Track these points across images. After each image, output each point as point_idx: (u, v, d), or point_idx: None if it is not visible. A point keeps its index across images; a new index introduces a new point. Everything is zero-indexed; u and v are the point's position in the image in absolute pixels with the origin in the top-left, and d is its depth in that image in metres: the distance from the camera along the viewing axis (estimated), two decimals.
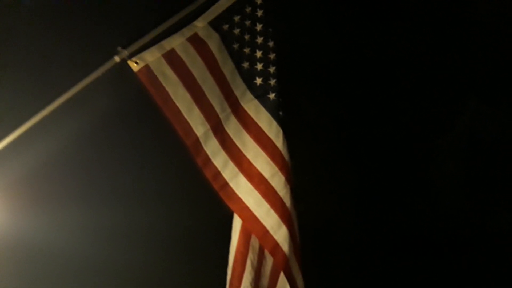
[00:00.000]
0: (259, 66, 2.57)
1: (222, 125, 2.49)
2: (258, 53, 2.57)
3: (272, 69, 2.57)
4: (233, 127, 2.52)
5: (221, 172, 2.47)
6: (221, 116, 2.49)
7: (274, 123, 2.54)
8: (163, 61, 2.38)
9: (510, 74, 3.24)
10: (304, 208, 2.62)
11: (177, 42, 2.43)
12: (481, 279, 3.28)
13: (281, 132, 2.54)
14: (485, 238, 3.28)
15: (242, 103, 2.55)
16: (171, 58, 2.40)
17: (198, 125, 2.43)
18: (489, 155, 3.29)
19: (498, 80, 3.25)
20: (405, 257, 3.28)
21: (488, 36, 3.20)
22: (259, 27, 2.57)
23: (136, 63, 2.35)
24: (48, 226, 2.60)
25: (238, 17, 2.54)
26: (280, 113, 2.56)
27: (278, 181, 2.51)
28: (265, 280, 2.59)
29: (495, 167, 3.29)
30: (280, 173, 2.51)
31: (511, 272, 3.26)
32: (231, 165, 2.49)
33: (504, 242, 3.28)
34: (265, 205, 2.49)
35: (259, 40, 2.57)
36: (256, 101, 2.56)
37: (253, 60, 2.56)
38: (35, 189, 2.56)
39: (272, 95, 2.56)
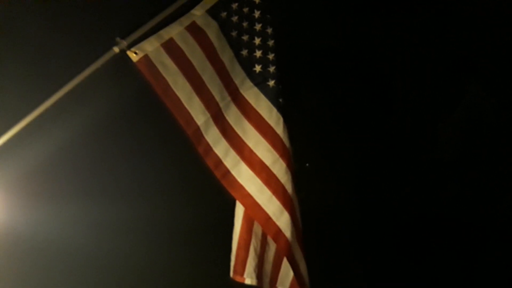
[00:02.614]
0: (258, 53, 2.56)
1: (222, 114, 2.49)
2: (257, 40, 2.55)
3: (271, 56, 2.56)
4: (233, 115, 2.52)
5: (223, 160, 2.48)
6: (221, 105, 2.49)
7: (274, 110, 2.54)
8: (162, 50, 2.38)
9: (509, 59, 3.23)
10: (306, 194, 2.63)
11: (175, 31, 2.42)
12: (481, 263, 3.31)
13: (281, 119, 2.54)
14: (484, 223, 3.30)
15: (241, 91, 2.55)
16: (170, 47, 2.39)
17: (199, 114, 2.43)
18: (489, 140, 3.29)
19: (498, 65, 3.24)
20: (405, 243, 3.30)
21: (488, 21, 3.18)
22: (257, 13, 2.55)
23: (135, 53, 2.35)
24: (49, 222, 2.60)
25: (236, 4, 2.52)
26: (280, 100, 2.55)
27: (279, 168, 2.52)
28: (268, 266, 2.62)
29: (494, 152, 3.30)
30: (281, 160, 2.52)
31: (508, 260, 3.28)
32: (232, 153, 2.50)
33: (505, 228, 3.29)
34: (267, 192, 2.50)
35: (258, 27, 2.56)
36: (255, 89, 2.56)
37: (252, 48, 2.55)
38: (36, 184, 2.56)
39: (271, 82, 2.55)
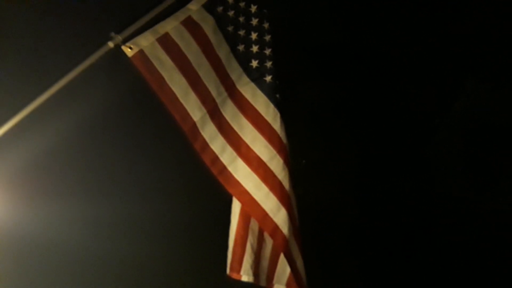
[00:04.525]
0: (255, 49, 2.54)
1: (219, 109, 2.48)
2: (254, 35, 2.54)
3: (268, 51, 2.55)
4: (230, 111, 2.50)
5: (219, 156, 2.46)
6: (217, 100, 2.47)
7: (271, 106, 2.53)
8: (158, 45, 2.35)
9: (507, 55, 3.23)
10: (303, 190, 2.62)
11: (171, 26, 2.39)
12: (480, 256, 3.31)
13: (278, 114, 2.53)
14: (483, 217, 3.30)
15: (238, 87, 2.53)
16: (166, 42, 2.37)
17: (195, 110, 2.41)
18: (487, 135, 3.29)
19: (496, 61, 3.24)
20: (404, 239, 3.30)
21: (486, 18, 3.17)
22: (253, 8, 2.54)
23: (130, 48, 2.32)
24: (45, 220, 2.57)
25: None
26: (277, 95, 2.54)
27: (276, 164, 2.50)
28: (265, 263, 2.61)
29: (493, 147, 3.30)
30: (278, 156, 2.51)
31: (510, 250, 3.29)
32: (229, 149, 2.48)
33: (503, 221, 3.30)
34: (264, 188, 2.49)
35: (254, 22, 2.54)
36: (252, 84, 2.54)
37: (248, 43, 2.54)
38: (30, 182, 2.53)
39: (268, 78, 2.54)
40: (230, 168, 2.48)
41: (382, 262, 3.31)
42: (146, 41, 2.34)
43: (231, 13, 2.51)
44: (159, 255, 2.89)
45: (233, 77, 2.52)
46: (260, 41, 2.54)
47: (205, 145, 2.44)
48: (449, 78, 3.27)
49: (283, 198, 2.49)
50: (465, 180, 3.31)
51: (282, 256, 2.55)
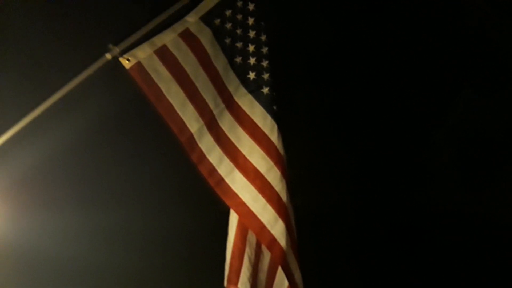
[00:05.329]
0: (252, 61, 2.55)
1: (216, 121, 2.48)
2: (251, 47, 2.55)
3: (265, 63, 2.56)
4: (227, 123, 2.50)
5: (217, 168, 2.46)
6: (215, 112, 2.48)
7: (269, 117, 2.53)
8: (155, 57, 2.36)
9: (502, 66, 3.25)
10: (301, 202, 2.61)
11: (168, 38, 2.41)
12: (475, 267, 3.30)
13: (275, 126, 2.53)
14: (479, 228, 3.30)
15: (235, 98, 2.53)
16: (163, 54, 2.38)
17: (192, 122, 2.41)
18: (483, 146, 3.30)
19: (491, 72, 3.26)
20: (401, 249, 3.29)
21: (481, 28, 3.20)
22: (251, 21, 2.55)
23: (128, 60, 2.33)
24: (41, 229, 2.58)
25: (230, 11, 2.52)
26: (274, 107, 2.55)
27: (274, 176, 2.50)
28: (263, 275, 2.59)
29: (489, 158, 3.30)
30: (275, 168, 2.50)
31: (506, 260, 3.28)
32: (227, 160, 2.48)
33: (499, 232, 3.29)
34: (262, 200, 2.48)
35: (251, 34, 2.55)
36: (250, 96, 2.55)
37: (245, 55, 2.55)
38: (29, 192, 2.54)
39: (265, 90, 2.54)
40: (227, 180, 2.48)
41: (380, 273, 3.29)
42: (143, 53, 2.35)
43: (228, 25, 2.52)
44: (156, 266, 2.88)
45: (231, 88, 2.53)
46: (257, 53, 2.56)
47: (202, 156, 2.44)
48: (445, 89, 3.28)
49: (280, 210, 2.48)
50: (461, 190, 3.32)
51: (280, 268, 2.53)
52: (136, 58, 2.34)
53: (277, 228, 2.47)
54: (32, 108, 2.30)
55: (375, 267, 3.29)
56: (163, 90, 2.37)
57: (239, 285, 2.50)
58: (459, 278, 3.29)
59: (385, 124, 3.26)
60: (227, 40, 2.52)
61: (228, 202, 2.49)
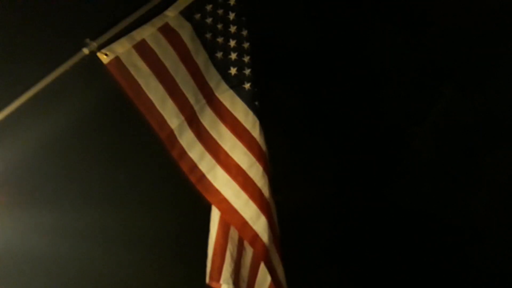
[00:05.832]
0: (233, 56, 2.53)
1: (197, 117, 2.45)
2: (232, 43, 2.53)
3: (246, 59, 2.53)
4: (208, 118, 2.48)
5: (198, 164, 2.44)
6: (195, 108, 2.45)
7: (250, 113, 2.51)
8: (134, 52, 2.33)
9: (483, 63, 3.29)
10: (282, 198, 2.61)
11: (147, 33, 2.37)
12: (459, 263, 3.34)
13: (257, 122, 2.51)
14: (459, 223, 3.34)
15: (217, 94, 2.51)
16: (142, 49, 2.34)
17: (172, 117, 2.38)
18: (463, 142, 3.34)
19: (472, 69, 3.30)
20: (383, 244, 3.32)
21: (462, 25, 3.23)
22: (232, 16, 2.53)
23: (106, 55, 2.29)
24: (22, 229, 2.53)
25: (210, 6, 2.49)
26: (256, 103, 2.53)
27: (256, 172, 2.49)
28: (245, 271, 2.58)
29: (469, 154, 3.34)
30: (257, 164, 2.49)
31: (487, 255, 3.33)
32: (208, 157, 2.46)
33: (478, 227, 3.34)
34: (244, 196, 2.46)
35: (233, 29, 2.53)
36: (231, 92, 2.52)
37: (227, 50, 2.53)
38: (6, 192, 2.48)
39: (247, 85, 2.52)
40: (209, 176, 2.46)
41: (361, 268, 3.31)
42: (122, 48, 2.32)
43: (209, 20, 2.49)
44: (138, 264, 2.86)
45: (212, 84, 2.50)
46: (239, 48, 2.53)
47: (183, 152, 2.41)
48: (426, 86, 3.31)
49: (262, 205, 2.47)
50: (441, 186, 3.35)
51: (262, 264, 2.53)
52: (114, 53, 2.30)
53: (259, 224, 2.46)
54: (7, 104, 2.25)
55: (356, 263, 3.31)
56: (142, 86, 2.33)
57: (221, 281, 2.49)
58: (440, 274, 3.33)
59: (366, 121, 3.28)
60: (208, 35, 2.49)
61: (210, 198, 2.47)
